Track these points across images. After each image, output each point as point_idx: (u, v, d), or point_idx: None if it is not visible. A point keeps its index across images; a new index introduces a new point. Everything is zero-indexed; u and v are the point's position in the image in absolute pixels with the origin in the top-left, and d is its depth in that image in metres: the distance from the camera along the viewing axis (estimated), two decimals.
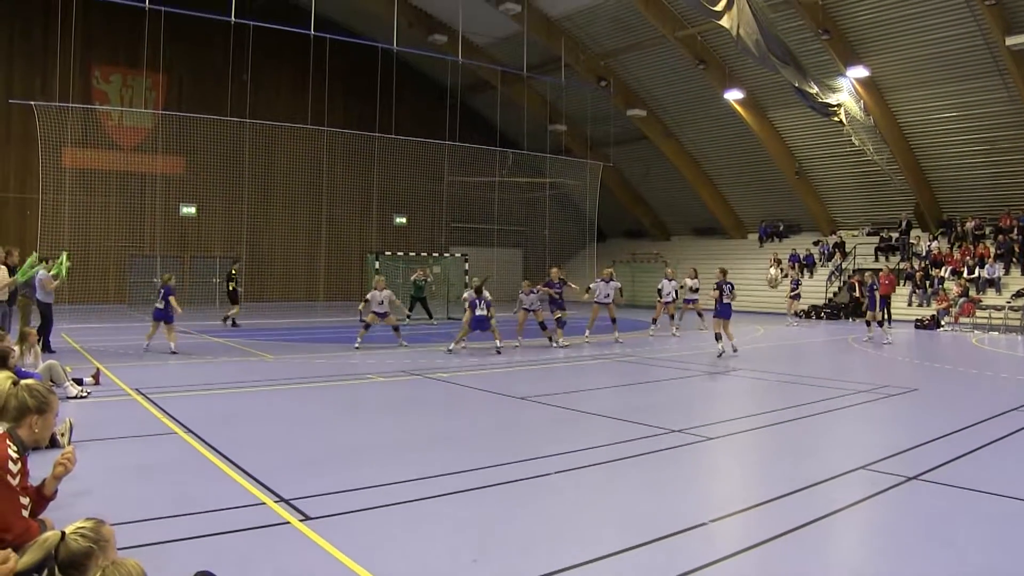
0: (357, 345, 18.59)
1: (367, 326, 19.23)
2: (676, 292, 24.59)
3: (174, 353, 16.56)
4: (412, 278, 28.48)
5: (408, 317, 27.18)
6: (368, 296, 19.30)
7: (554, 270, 22.07)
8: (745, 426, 9.92)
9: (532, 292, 20.31)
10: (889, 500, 6.64)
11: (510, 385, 13.02)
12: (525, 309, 20.20)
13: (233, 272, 25.75)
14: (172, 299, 16.98)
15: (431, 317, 28.55)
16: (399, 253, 33.38)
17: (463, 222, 41.91)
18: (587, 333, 21.71)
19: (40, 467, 5.25)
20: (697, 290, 25.13)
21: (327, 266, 36.92)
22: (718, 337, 17.99)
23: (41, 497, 4.73)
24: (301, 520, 5.83)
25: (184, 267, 35.40)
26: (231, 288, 25.49)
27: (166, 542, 5.33)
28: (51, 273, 16.81)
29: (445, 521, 5.96)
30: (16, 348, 11.26)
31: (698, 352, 18.99)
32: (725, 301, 17.94)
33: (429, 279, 29.27)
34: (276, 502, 6.26)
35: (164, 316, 17.02)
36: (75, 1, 23.75)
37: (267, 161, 34.86)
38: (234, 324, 24.54)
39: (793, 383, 13.85)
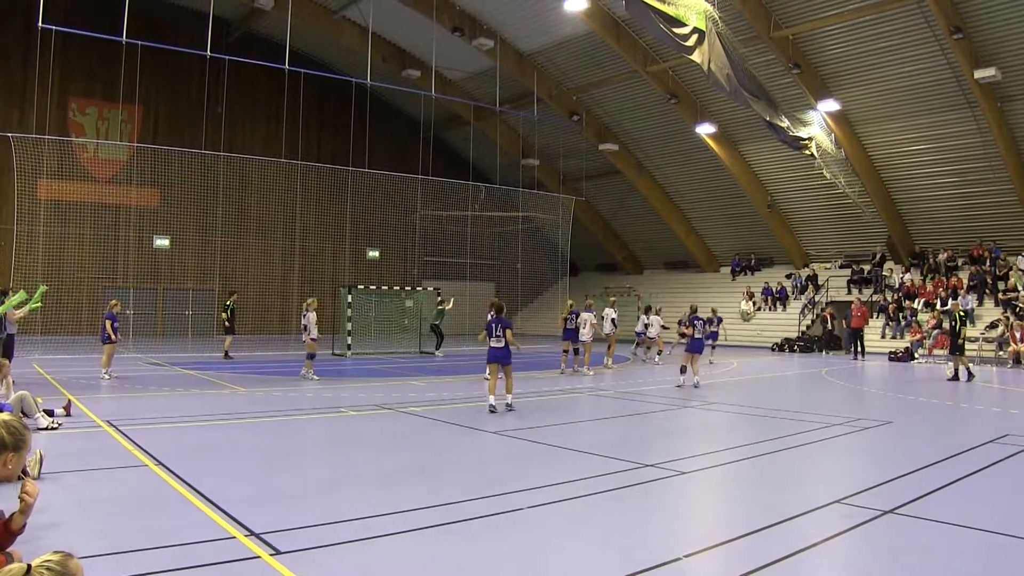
0: (313, 376, 18.63)
1: (311, 356, 19.09)
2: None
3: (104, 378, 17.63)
4: (446, 308, 28.84)
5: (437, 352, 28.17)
6: (305, 321, 19.07)
7: (571, 302, 22.97)
8: (719, 460, 9.90)
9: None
10: (866, 534, 6.60)
11: (482, 420, 12.95)
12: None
13: (228, 303, 25.62)
14: (108, 323, 18.21)
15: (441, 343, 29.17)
16: (372, 287, 33.28)
17: (436, 255, 41.87)
18: (609, 362, 23.61)
19: (8, 501, 5.16)
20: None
21: (300, 299, 36.72)
22: (683, 370, 18.79)
23: (8, 531, 4.64)
24: (272, 554, 5.74)
25: (158, 299, 35.16)
26: (226, 321, 25.42)
27: None
28: (27, 307, 16.69)
29: (417, 556, 5.89)
30: None
31: (670, 386, 18.96)
32: (696, 336, 18.65)
33: (449, 307, 29.58)
34: (246, 536, 6.16)
35: (103, 338, 18.34)
36: (53, 35, 23.65)
37: (241, 194, 34.83)
38: (227, 356, 24.38)
39: (767, 416, 13.86)
